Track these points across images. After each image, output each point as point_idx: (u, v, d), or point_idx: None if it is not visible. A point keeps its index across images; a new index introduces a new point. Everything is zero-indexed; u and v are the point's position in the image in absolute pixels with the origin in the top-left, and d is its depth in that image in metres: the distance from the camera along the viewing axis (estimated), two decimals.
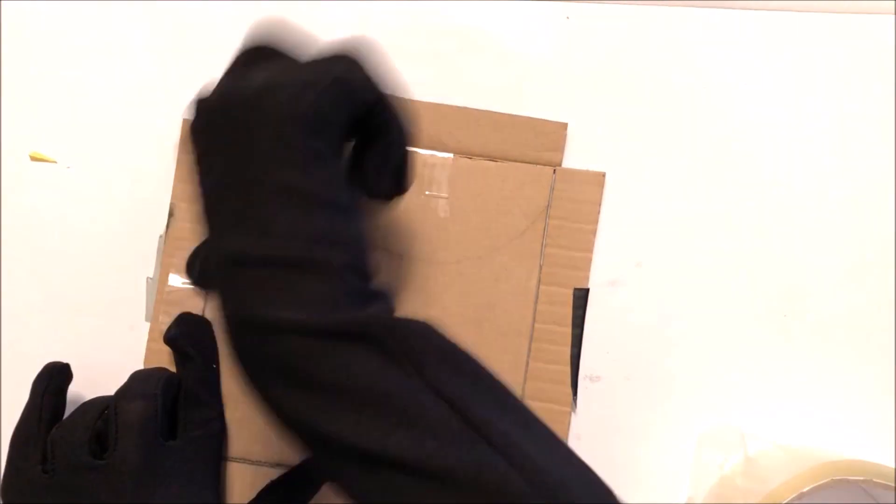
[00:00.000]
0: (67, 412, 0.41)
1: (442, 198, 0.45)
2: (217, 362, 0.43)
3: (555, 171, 0.45)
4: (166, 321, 0.44)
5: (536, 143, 0.45)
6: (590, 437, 0.44)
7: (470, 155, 0.45)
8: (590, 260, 0.44)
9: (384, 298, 0.34)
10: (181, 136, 0.45)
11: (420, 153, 0.45)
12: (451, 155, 0.45)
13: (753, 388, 0.46)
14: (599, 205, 0.45)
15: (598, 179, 0.45)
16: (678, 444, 0.45)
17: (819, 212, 0.47)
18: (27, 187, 0.47)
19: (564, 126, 0.45)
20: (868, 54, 0.47)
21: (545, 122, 0.45)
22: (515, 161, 0.45)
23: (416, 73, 0.45)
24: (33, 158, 0.46)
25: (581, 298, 0.44)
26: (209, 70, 0.46)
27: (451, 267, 0.45)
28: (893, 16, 0.47)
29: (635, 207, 0.45)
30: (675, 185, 0.47)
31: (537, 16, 0.47)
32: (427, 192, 0.45)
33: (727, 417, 0.45)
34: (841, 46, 0.47)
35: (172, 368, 0.44)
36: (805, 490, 0.38)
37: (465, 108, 0.45)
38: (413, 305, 0.44)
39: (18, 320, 0.46)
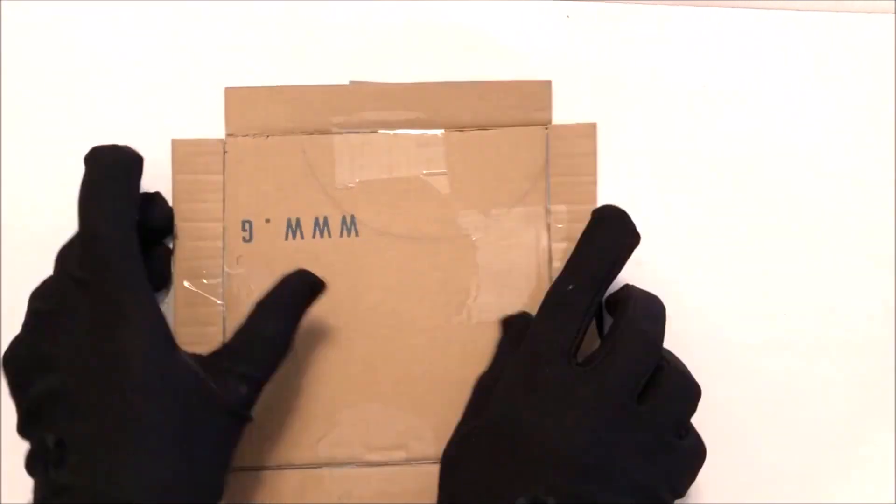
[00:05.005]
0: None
1: (441, 174, 0.45)
2: None
3: (546, 128, 0.45)
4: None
5: (524, 104, 0.45)
6: None
7: (460, 128, 0.45)
8: None
9: None
10: (173, 157, 0.45)
11: (411, 134, 0.45)
12: (441, 131, 0.45)
13: (753, 386, 0.46)
14: (595, 155, 0.45)
15: (589, 131, 0.45)
16: None
17: (819, 210, 0.47)
18: (28, 192, 0.46)
19: (549, 84, 0.45)
20: (868, 54, 0.47)
21: (528, 82, 0.45)
22: (506, 126, 0.45)
23: (416, 73, 0.46)
24: None
25: None
26: (210, 76, 0.46)
27: (462, 241, 0.45)
28: (893, 15, 0.47)
29: (635, 206, 0.44)
30: (674, 184, 0.46)
31: (537, 15, 0.47)
32: (425, 172, 0.45)
33: (727, 416, 0.45)
34: (841, 46, 0.47)
35: None
36: None
37: (447, 83, 0.45)
38: (432, 283, 0.44)
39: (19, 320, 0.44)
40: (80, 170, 0.44)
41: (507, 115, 0.45)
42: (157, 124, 0.45)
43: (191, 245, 0.44)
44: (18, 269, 0.45)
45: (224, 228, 0.44)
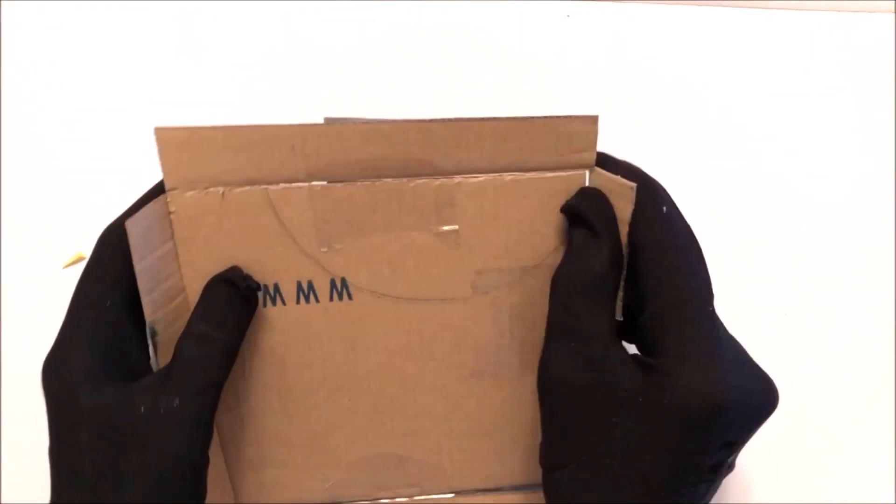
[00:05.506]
0: None
1: (451, 230, 0.36)
2: None
3: (589, 173, 0.35)
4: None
5: (561, 146, 0.34)
6: None
7: (475, 174, 0.34)
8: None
9: None
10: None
11: (413, 184, 0.35)
12: (452, 178, 0.35)
13: None
14: (627, 224, 0.33)
15: (626, 192, 0.33)
16: None
17: (819, 210, 0.46)
18: (29, 189, 0.45)
19: (594, 120, 0.33)
20: (868, 54, 0.47)
21: (569, 118, 0.33)
22: (537, 170, 0.34)
23: (416, 73, 0.43)
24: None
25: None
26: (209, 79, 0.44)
27: (478, 300, 0.37)
28: (893, 15, 0.47)
29: None
30: (674, 183, 0.42)
31: (538, 14, 0.44)
32: (431, 228, 0.35)
33: None
34: (841, 46, 0.47)
35: None
36: None
37: (457, 121, 0.33)
38: (442, 344, 0.38)
39: (20, 321, 0.44)
40: (79, 169, 0.45)
41: (539, 157, 0.34)
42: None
43: (170, 333, 0.35)
44: (18, 269, 0.44)
45: (191, 304, 0.36)
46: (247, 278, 0.35)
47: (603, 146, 0.38)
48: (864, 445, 0.46)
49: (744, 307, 0.45)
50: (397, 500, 0.42)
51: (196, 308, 0.34)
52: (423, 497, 0.42)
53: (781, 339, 0.45)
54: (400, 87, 0.42)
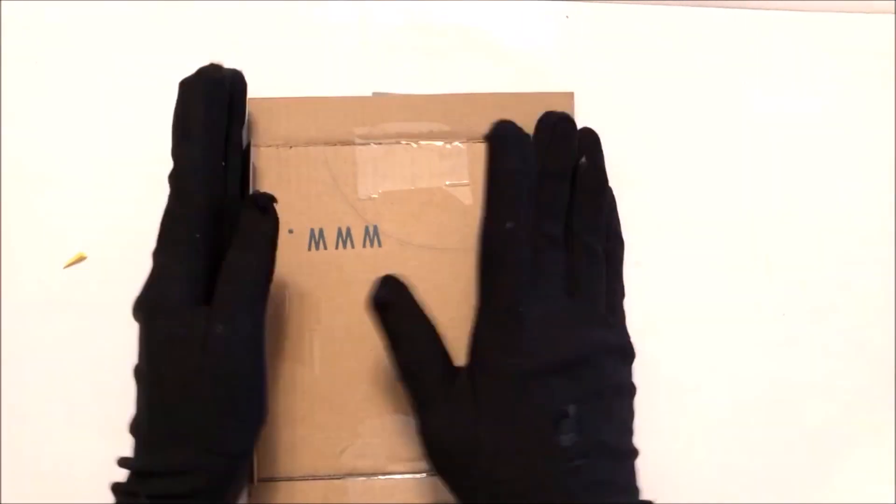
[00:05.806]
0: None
1: (463, 185, 0.45)
2: None
3: None
4: None
5: None
6: None
7: (483, 139, 0.45)
8: None
9: None
10: None
11: (434, 145, 0.45)
12: (464, 142, 0.45)
13: (752, 386, 0.46)
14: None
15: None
16: (678, 444, 0.44)
17: (818, 210, 0.47)
18: (29, 189, 0.46)
19: (571, 95, 0.45)
20: (868, 54, 0.47)
21: (551, 94, 0.45)
22: None
23: (416, 73, 0.46)
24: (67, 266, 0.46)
25: None
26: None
27: None
28: (893, 16, 0.47)
29: (634, 206, 0.45)
30: (673, 183, 0.46)
31: (537, 15, 0.47)
32: (448, 183, 0.45)
33: (727, 417, 0.45)
34: (841, 46, 0.47)
35: None
36: None
37: (470, 94, 0.45)
38: (455, 294, 0.45)
39: (20, 321, 0.45)
40: (79, 169, 0.46)
41: (530, 126, 0.45)
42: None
43: None
44: (18, 269, 0.45)
45: None
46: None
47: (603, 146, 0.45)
48: (865, 445, 0.45)
49: (742, 307, 0.46)
50: (406, 476, 0.44)
51: (233, 239, 0.38)
52: (428, 476, 0.44)
53: (780, 338, 0.46)
54: (396, 87, 0.46)
